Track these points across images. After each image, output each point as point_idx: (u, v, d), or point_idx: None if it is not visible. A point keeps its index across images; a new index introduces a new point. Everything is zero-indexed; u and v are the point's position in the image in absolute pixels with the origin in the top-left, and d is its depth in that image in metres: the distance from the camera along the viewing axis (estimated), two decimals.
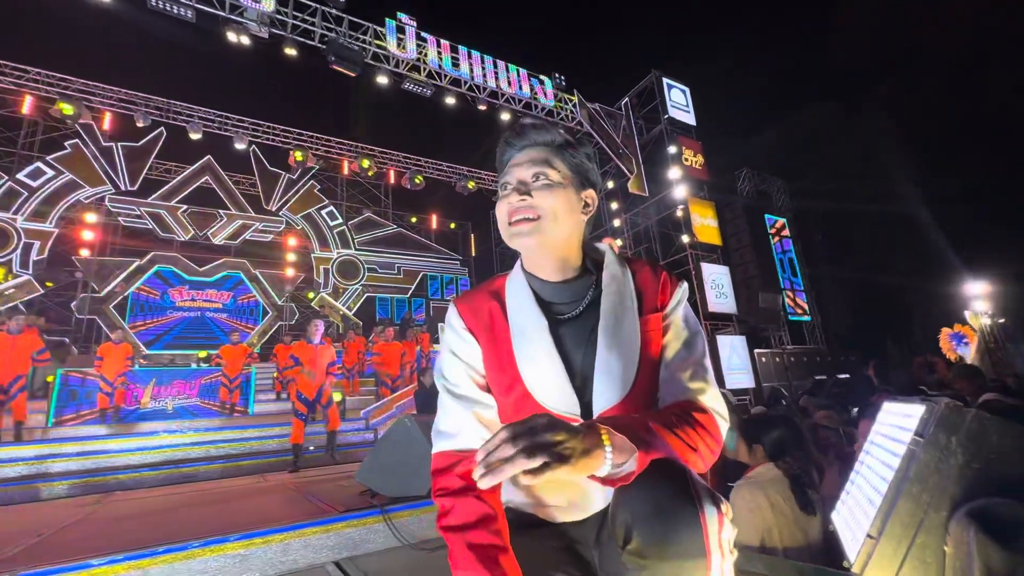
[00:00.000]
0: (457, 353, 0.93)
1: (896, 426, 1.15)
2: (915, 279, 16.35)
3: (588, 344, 0.87)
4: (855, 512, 1.08)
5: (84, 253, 11.15)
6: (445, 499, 0.83)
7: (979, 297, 10.06)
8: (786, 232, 14.57)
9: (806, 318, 14.13)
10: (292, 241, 13.51)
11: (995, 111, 16.17)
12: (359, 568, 2.42)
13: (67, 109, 9.62)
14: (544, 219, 0.87)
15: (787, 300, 13.54)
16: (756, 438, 1.96)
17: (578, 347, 0.88)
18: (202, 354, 10.58)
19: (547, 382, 0.86)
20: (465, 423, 0.88)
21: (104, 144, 11.16)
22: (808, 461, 1.96)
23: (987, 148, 16.24)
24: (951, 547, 0.86)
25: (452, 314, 0.96)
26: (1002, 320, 9.62)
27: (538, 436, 0.61)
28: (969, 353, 8.44)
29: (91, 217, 11.27)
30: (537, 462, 0.59)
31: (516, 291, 0.93)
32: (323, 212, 13.97)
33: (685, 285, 0.97)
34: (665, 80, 12.52)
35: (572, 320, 0.90)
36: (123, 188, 11.39)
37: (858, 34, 18.98)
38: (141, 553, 2.10)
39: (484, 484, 0.59)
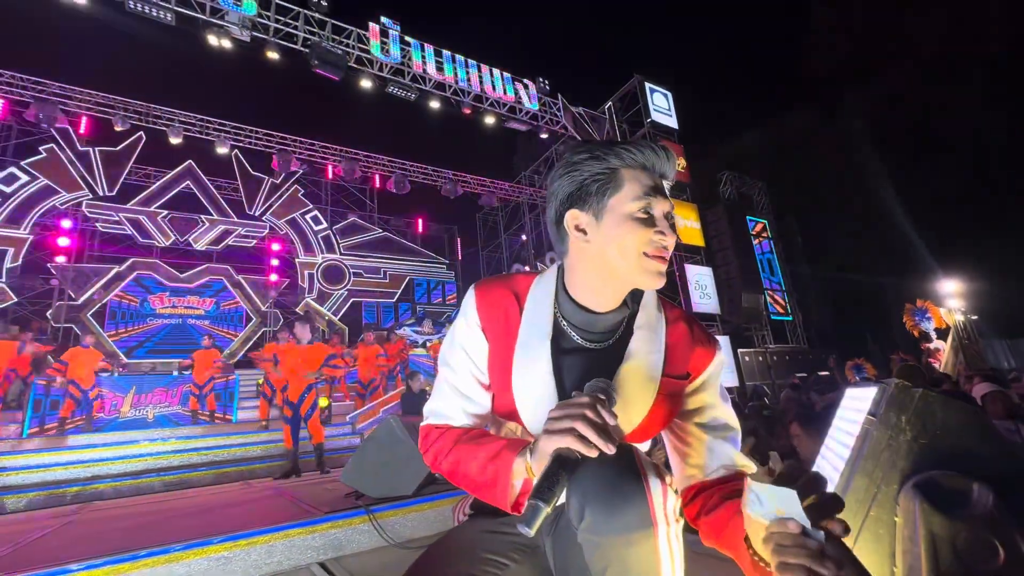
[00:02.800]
0: (465, 348, 0.91)
1: (854, 409, 1.21)
2: (892, 278, 16.78)
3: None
4: None
5: (60, 260, 10.91)
6: (435, 446, 0.87)
7: (952, 295, 10.35)
8: (767, 233, 14.87)
9: (787, 317, 14.40)
10: (276, 246, 13.38)
11: (967, 117, 16.72)
12: (344, 568, 2.42)
13: None
14: (667, 261, 0.83)
15: (769, 300, 13.80)
16: None
17: (583, 380, 0.82)
18: (187, 362, 10.44)
19: (536, 405, 0.84)
20: (456, 412, 0.91)
21: (81, 149, 10.96)
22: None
23: (959, 152, 16.78)
24: (900, 518, 0.92)
25: (470, 305, 0.92)
26: (974, 317, 9.93)
27: None
28: (931, 326, 8.56)
29: (67, 223, 11.03)
30: None
31: (538, 301, 0.89)
32: (307, 216, 13.86)
33: (721, 355, 0.92)
34: (647, 84, 12.72)
35: (587, 352, 0.87)
36: (101, 193, 11.18)
37: (834, 43, 19.50)
38: (121, 557, 2.08)
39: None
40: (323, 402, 7.55)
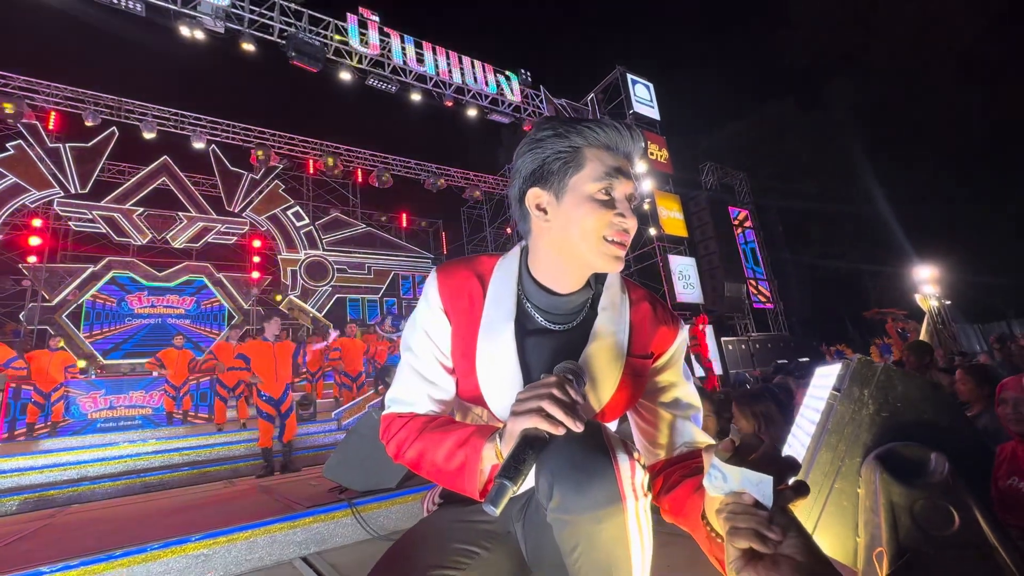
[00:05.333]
0: (428, 332, 0.89)
1: (821, 386, 1.24)
2: (870, 265, 17.17)
3: (560, 362, 0.79)
4: None
5: (32, 260, 10.60)
6: (398, 435, 0.85)
7: (927, 281, 10.60)
8: (749, 223, 15.05)
9: (769, 306, 14.64)
10: (257, 243, 13.16)
11: (942, 106, 17.08)
12: (327, 562, 2.41)
13: (8, 106, 9.14)
14: (628, 245, 0.82)
15: (751, 289, 14.00)
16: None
17: (548, 361, 0.83)
18: (154, 363, 10.29)
19: (502, 388, 0.83)
20: (420, 398, 0.88)
21: (51, 145, 10.63)
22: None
23: (934, 141, 17.15)
24: (862, 489, 0.94)
25: (431, 287, 0.89)
26: (948, 302, 10.21)
27: None
28: (891, 357, 8.95)
29: (39, 222, 10.71)
30: None
31: (501, 282, 0.88)
32: (289, 212, 13.66)
33: (684, 333, 0.92)
34: (629, 76, 12.74)
35: (552, 333, 0.85)
36: (73, 191, 10.87)
37: (811, 33, 19.74)
38: (97, 558, 2.04)
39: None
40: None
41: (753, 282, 14.24)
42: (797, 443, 1.25)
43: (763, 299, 14.44)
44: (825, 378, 1.23)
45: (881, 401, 0.99)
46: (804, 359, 11.08)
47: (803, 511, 1.04)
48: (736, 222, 14.58)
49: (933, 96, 17.16)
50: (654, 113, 13.06)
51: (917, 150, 17.26)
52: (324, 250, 14.05)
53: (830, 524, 1.00)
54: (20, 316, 10.35)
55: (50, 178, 10.64)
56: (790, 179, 19.10)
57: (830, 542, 0.98)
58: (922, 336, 8.83)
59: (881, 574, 0.84)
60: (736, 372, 11.33)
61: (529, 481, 0.81)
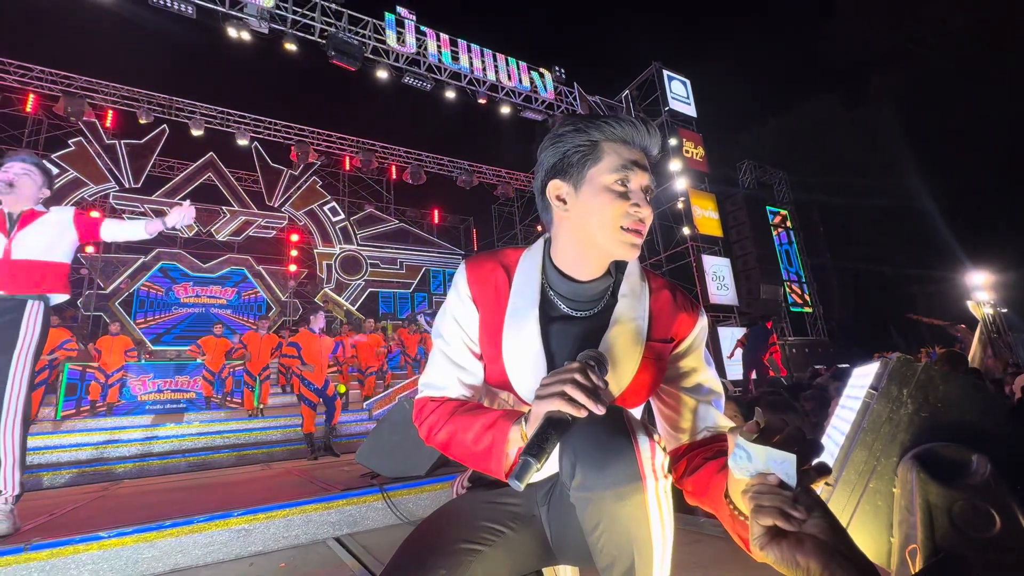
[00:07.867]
0: (457, 319, 0.93)
1: (858, 385, 1.21)
2: (918, 269, 16.34)
3: (582, 347, 0.83)
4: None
5: (89, 250, 11.29)
6: (430, 419, 0.89)
7: (981, 287, 10.01)
8: (788, 224, 14.58)
9: (807, 309, 14.15)
10: (295, 237, 13.62)
11: (996, 101, 16.07)
12: (359, 544, 2.50)
13: (70, 106, 9.76)
14: (644, 235, 0.86)
15: (788, 291, 13.56)
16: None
17: (571, 347, 0.87)
18: (196, 350, 10.78)
19: (526, 372, 0.87)
20: (451, 382, 0.93)
21: (107, 141, 11.28)
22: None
23: (988, 138, 16.15)
24: (898, 488, 0.92)
25: (461, 277, 0.95)
26: (1004, 310, 9.62)
27: None
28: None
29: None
30: None
31: (526, 272, 0.92)
32: (325, 208, 14.06)
33: (704, 320, 0.95)
34: (666, 72, 12.51)
35: (574, 320, 0.89)
36: (127, 185, 11.50)
37: (859, 25, 18.87)
38: (149, 527, 2.18)
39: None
40: (341, 388, 7.73)
41: (791, 285, 13.79)
42: (831, 442, 1.23)
43: (800, 302, 13.97)
44: (863, 377, 1.21)
45: (921, 401, 0.97)
46: (844, 365, 10.68)
47: (836, 509, 1.03)
48: (774, 223, 14.15)
49: (988, 92, 16.16)
50: (690, 110, 12.79)
51: (970, 148, 16.30)
52: (358, 245, 14.41)
53: (864, 523, 0.99)
54: (78, 303, 11.03)
55: (107, 173, 11.29)
56: (833, 178, 18.36)
57: (864, 541, 0.97)
58: (974, 345, 8.37)
59: (913, 571, 0.82)
60: (772, 376, 11.01)
61: (553, 467, 0.84)
